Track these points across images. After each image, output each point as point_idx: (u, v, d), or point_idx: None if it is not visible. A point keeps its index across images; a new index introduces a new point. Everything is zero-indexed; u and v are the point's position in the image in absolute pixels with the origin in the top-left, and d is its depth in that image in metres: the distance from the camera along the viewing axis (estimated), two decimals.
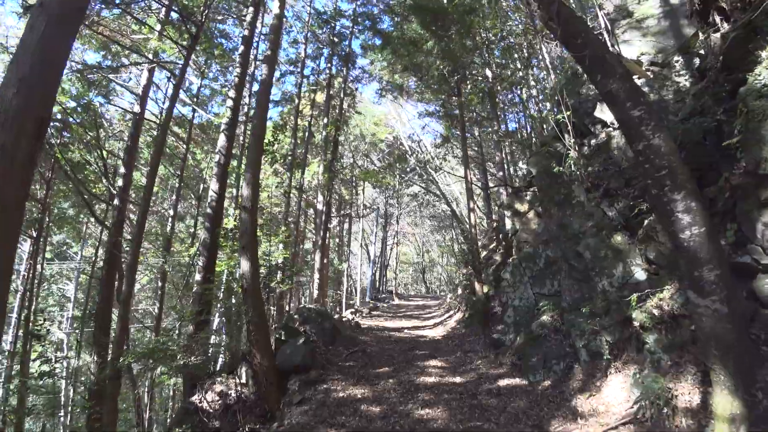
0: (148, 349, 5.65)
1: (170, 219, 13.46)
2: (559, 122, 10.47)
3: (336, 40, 16.17)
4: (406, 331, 10.82)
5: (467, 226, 27.21)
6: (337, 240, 33.29)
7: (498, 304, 9.13)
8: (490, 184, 15.60)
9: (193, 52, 8.18)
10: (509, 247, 10.82)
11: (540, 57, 15.69)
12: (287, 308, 14.42)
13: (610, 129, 7.79)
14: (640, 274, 5.41)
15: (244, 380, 7.10)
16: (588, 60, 3.88)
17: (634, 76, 8.11)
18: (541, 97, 14.20)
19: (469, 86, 11.44)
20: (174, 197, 14.09)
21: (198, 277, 8.43)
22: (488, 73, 11.87)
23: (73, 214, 14.99)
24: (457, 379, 6.29)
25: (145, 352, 5.38)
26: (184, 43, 8.01)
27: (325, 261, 26.98)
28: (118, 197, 7.99)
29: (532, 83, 15.10)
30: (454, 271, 22.94)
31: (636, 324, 4.82)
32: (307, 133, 17.07)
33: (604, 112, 8.09)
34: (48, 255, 22.62)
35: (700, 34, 6.70)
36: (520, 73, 12.98)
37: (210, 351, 6.79)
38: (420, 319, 13.57)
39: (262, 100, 7.01)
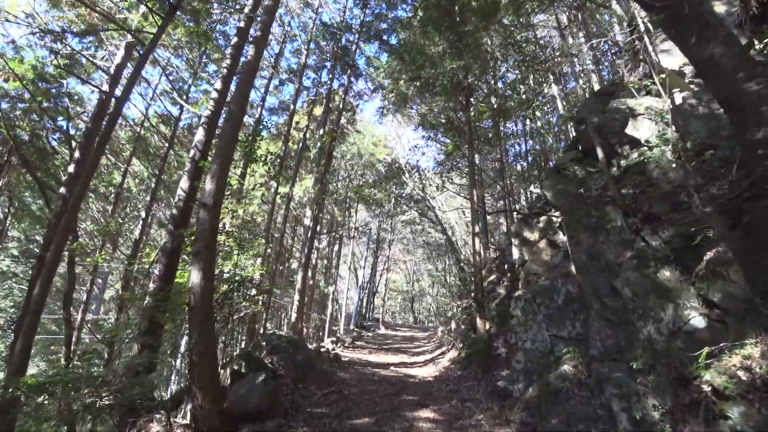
0: (47, 378, 4.26)
1: (141, 221, 12.12)
2: (578, 141, 9.50)
3: (340, 52, 15.36)
4: (392, 368, 9.42)
5: (468, 254, 26.00)
6: (325, 261, 31.86)
7: (502, 345, 7.84)
8: (489, 212, 14.44)
9: (171, 21, 7.10)
10: (515, 279, 9.62)
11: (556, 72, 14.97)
12: (263, 331, 12.95)
13: (645, 148, 6.77)
14: (697, 321, 4.20)
15: (187, 421, 5.71)
16: (674, 19, 2.82)
17: (675, 90, 7.17)
18: (554, 119, 13.39)
19: (477, 100, 10.51)
20: (148, 198, 12.80)
21: (153, 287, 7.13)
22: (493, 100, 11.08)
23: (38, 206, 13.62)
24: None
25: (41, 382, 4.00)
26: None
27: (310, 282, 25.53)
28: (65, 185, 6.73)
29: (542, 107, 14.31)
30: (446, 303, 21.56)
31: (706, 388, 3.60)
32: (301, 145, 16.01)
33: (637, 129, 7.07)
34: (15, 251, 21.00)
35: (756, 42, 5.73)
36: (530, 96, 12.19)
37: (147, 381, 5.39)
38: (408, 354, 12.15)
39: (244, 84, 5.91)
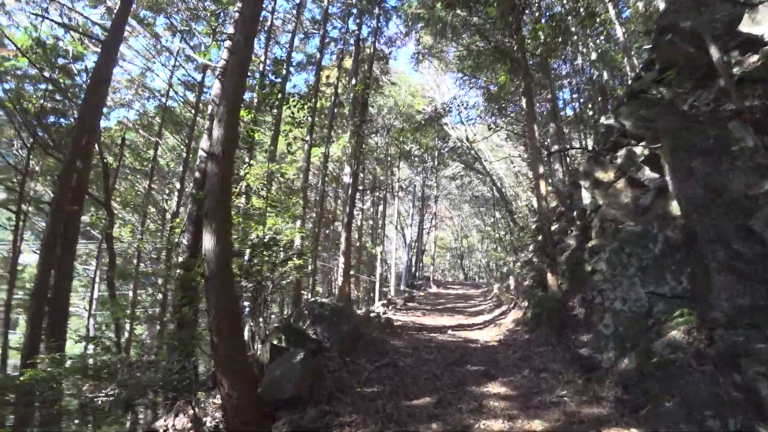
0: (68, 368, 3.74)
1: (177, 193, 11.79)
2: (654, 59, 7.76)
3: None
4: (449, 331, 8.60)
5: (519, 205, 24.44)
6: (370, 222, 31.34)
7: (579, 304, 6.74)
8: (551, 151, 12.87)
9: None
10: (586, 227, 8.32)
11: None
12: (308, 298, 12.54)
13: None
14: None
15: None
16: None
17: None
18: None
19: (531, 19, 8.87)
20: (181, 169, 12.40)
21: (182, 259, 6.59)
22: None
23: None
24: (536, 426, 4.04)
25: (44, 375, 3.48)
26: None
27: (356, 243, 25.12)
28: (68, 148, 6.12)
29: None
30: (500, 258, 20.41)
31: None
32: (333, 100, 14.89)
33: (758, 24, 5.41)
34: None
35: None
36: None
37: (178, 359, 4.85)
38: (465, 315, 11.30)
39: (250, 7, 4.85)
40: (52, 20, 7.83)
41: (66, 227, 6.24)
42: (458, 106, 14.15)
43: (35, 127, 7.70)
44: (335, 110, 16.67)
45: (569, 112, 20.99)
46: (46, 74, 7.29)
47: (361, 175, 28.17)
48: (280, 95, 7.24)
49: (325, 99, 18.96)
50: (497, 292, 14.49)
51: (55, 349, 5.19)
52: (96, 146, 11.53)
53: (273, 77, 7.12)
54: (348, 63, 16.50)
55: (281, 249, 7.68)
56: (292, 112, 7.80)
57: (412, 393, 4.80)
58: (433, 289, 21.34)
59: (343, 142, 12.87)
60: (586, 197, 8.14)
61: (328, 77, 17.33)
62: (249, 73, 7.63)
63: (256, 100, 11.14)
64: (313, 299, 6.76)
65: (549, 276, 6.76)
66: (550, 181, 16.88)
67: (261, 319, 6.52)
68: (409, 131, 10.84)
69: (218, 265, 3.94)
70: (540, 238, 7.64)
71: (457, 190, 38.60)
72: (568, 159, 18.83)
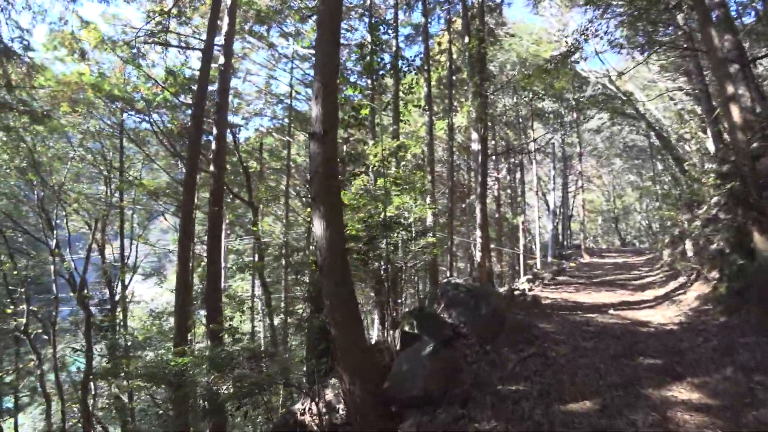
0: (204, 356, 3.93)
1: None
2: None
3: None
4: (611, 311, 7.24)
5: (688, 149, 20.22)
6: (508, 191, 29.45)
7: None
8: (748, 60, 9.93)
9: None
10: None
11: None
12: (448, 276, 12.08)
13: None
14: None
15: None
16: None
17: None
18: None
19: None
20: None
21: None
22: None
23: None
24: None
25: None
26: None
27: (495, 215, 23.84)
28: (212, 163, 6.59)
29: None
30: (668, 217, 17.11)
31: None
32: (449, 65, 13.86)
33: None
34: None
35: None
36: None
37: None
38: (629, 289, 9.54)
39: None
40: (174, 45, 8.75)
41: (212, 225, 6.83)
42: (594, 35, 11.71)
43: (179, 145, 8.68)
44: (453, 77, 15.63)
45: (747, 20, 16.04)
46: (182, 99, 8.18)
47: (492, 141, 26.53)
48: (384, 64, 6.72)
49: (441, 68, 17.98)
50: (668, 260, 12.05)
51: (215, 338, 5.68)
52: (237, 154, 12.82)
53: (373, 46, 6.61)
54: (458, 24, 15.24)
55: (408, 227, 7.31)
56: (409, 86, 7.25)
57: (567, 394, 3.95)
58: (586, 259, 19.02)
59: (467, 108, 11.88)
60: None
61: (439, 44, 16.30)
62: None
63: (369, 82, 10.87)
64: (446, 279, 6.23)
65: (756, 236, 5.00)
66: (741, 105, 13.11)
67: (392, 304, 6.27)
68: (536, 76, 9.34)
69: (330, 251, 3.67)
70: (734, 184, 5.74)
71: (603, 144, 33.77)
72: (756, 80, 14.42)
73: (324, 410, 4.66)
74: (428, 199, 10.11)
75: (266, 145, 19.45)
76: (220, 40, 8.85)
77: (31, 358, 13.10)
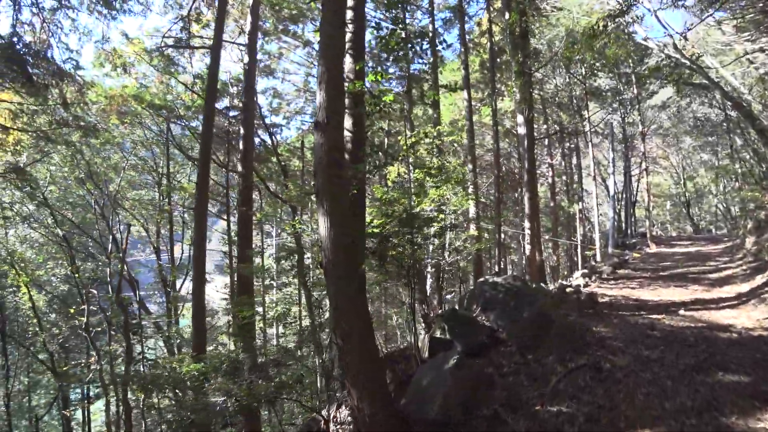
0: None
1: None
2: None
3: None
4: (681, 311, 6.26)
5: None
6: (564, 178, 27.68)
7: None
8: None
9: None
10: None
11: None
12: (496, 271, 11.32)
13: None
14: None
15: None
16: None
17: None
18: None
19: None
20: None
21: None
22: None
23: None
24: None
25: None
26: None
27: (551, 204, 22.46)
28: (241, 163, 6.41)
29: None
30: (750, 199, 15.15)
31: None
32: (489, 47, 12.98)
33: None
34: None
35: None
36: None
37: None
38: (703, 284, 8.33)
39: None
40: (195, 47, 8.78)
41: (242, 226, 6.68)
42: None
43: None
44: (497, 60, 14.67)
45: None
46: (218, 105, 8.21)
47: (544, 125, 24.94)
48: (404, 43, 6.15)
49: (483, 51, 17.01)
50: (753, 249, 10.53)
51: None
52: (275, 153, 12.81)
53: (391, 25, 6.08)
54: (499, 2, 14.24)
55: (442, 221, 6.76)
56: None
57: (622, 420, 3.28)
58: (652, 249, 17.32)
59: (511, 89, 11.01)
60: None
61: (479, 25, 15.36)
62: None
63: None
64: (483, 278, 5.60)
65: None
66: None
67: (425, 306, 5.78)
68: (583, 43, 8.29)
69: (335, 252, 3.27)
70: None
71: (669, 122, 30.73)
72: None
73: (349, 417, 4.31)
74: (471, 189, 9.43)
75: (310, 143, 19.48)
76: (244, 39, 8.73)
77: (106, 351, 13.95)
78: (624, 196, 28.27)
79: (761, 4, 15.47)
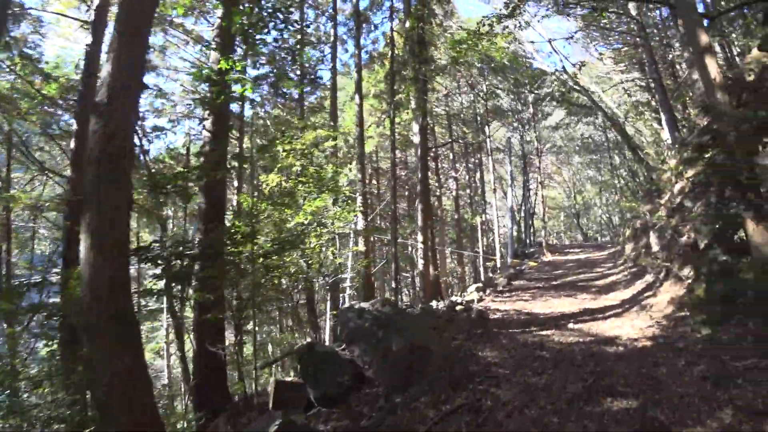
0: None
1: None
2: None
3: None
4: (571, 324, 5.91)
5: (644, 141, 19.78)
6: (468, 191, 28.42)
7: None
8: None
9: None
10: None
11: None
12: (395, 288, 10.55)
13: None
14: None
15: None
16: None
17: None
18: None
19: None
20: None
21: None
22: None
23: None
24: None
25: None
26: None
27: (454, 216, 22.58)
28: None
29: None
30: (628, 209, 16.33)
31: None
32: (390, 54, 12.50)
33: None
34: None
35: None
36: None
37: None
38: (591, 292, 8.31)
39: None
40: None
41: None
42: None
43: None
44: (401, 72, 14.33)
45: None
46: None
47: (450, 139, 25.47)
48: (263, 23, 5.17)
49: (388, 61, 16.66)
50: (632, 254, 11.02)
51: None
52: (144, 161, 10.94)
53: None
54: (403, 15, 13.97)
55: (318, 236, 5.79)
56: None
57: None
58: (547, 257, 18.01)
59: (406, 92, 10.50)
60: None
61: (385, 35, 14.98)
62: None
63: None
64: (348, 305, 4.66)
65: (750, 226, 3.74)
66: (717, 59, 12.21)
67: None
68: (470, 43, 8.03)
69: (95, 288, 2.08)
70: (713, 155, 4.45)
71: (561, 141, 33.60)
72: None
73: None
74: (359, 200, 8.63)
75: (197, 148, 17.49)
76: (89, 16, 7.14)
77: None
78: (523, 208, 29.86)
79: (637, 39, 17.11)
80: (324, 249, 7.00)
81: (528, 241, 27.73)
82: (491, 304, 7.65)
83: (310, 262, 6.84)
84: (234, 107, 6.86)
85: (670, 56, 17.82)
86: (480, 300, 8.00)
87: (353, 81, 20.61)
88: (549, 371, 4.30)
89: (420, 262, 8.38)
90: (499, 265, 17.69)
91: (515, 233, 29.79)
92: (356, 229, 8.49)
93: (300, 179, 6.08)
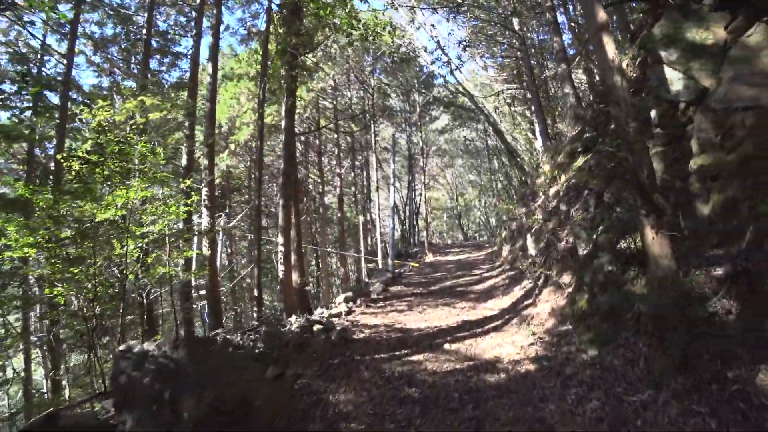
0: None
1: None
2: None
3: None
4: (447, 345, 5.00)
5: (521, 148, 20.78)
6: (353, 188, 27.51)
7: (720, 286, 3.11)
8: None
9: None
10: (678, 136, 4.67)
11: None
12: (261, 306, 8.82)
13: None
14: None
15: None
16: None
17: None
18: None
19: None
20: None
21: None
22: None
23: None
24: None
25: None
26: None
27: (338, 214, 21.39)
28: None
29: None
30: (505, 211, 16.81)
31: None
32: (265, 28, 10.73)
33: None
34: None
35: None
36: None
37: None
38: (470, 300, 7.67)
39: None
40: None
41: None
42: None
43: None
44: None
45: None
46: None
47: (335, 135, 24.24)
48: None
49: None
50: (508, 257, 10.95)
51: None
52: None
53: None
54: None
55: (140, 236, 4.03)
56: None
57: None
58: (429, 258, 17.82)
59: (275, 66, 8.88)
60: (675, 80, 4.41)
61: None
62: None
63: None
64: (124, 347, 3.06)
65: (649, 235, 3.03)
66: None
67: None
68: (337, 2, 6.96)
69: None
70: (625, 156, 3.71)
71: (447, 145, 34.90)
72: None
73: None
74: (205, 192, 6.86)
75: None
76: None
77: None
78: (408, 208, 30.07)
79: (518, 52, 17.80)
80: (142, 254, 5.20)
81: (412, 240, 27.86)
82: (361, 318, 6.52)
83: (122, 269, 5.00)
84: None
85: (544, 75, 18.94)
86: (349, 312, 6.83)
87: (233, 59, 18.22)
88: (418, 419, 3.22)
89: (281, 269, 6.90)
90: (380, 266, 16.95)
91: (399, 233, 29.84)
92: (201, 228, 6.71)
93: (106, 161, 4.24)
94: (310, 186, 24.68)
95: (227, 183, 20.96)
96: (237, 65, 17.29)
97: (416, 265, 15.03)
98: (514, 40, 17.64)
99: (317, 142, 22.82)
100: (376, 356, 4.62)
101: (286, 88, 7.96)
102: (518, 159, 17.54)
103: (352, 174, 26.41)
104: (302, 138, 22.36)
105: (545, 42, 19.86)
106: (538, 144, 17.33)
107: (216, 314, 6.66)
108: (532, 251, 8.48)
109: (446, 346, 4.88)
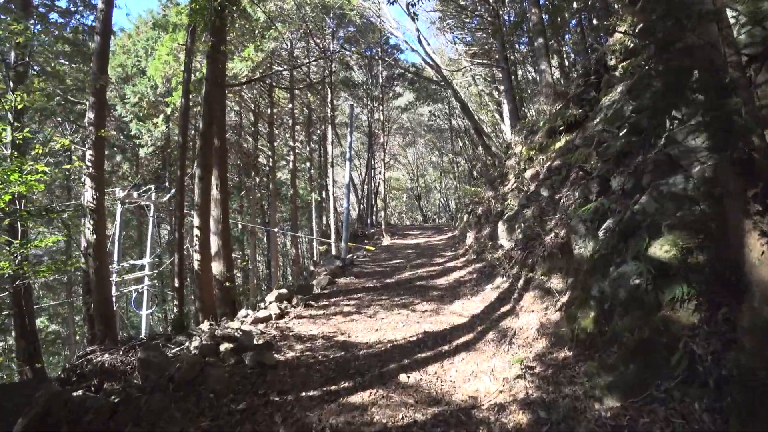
0: None
1: None
2: None
3: None
4: (403, 375, 3.67)
5: (489, 130, 19.71)
6: (307, 164, 25.54)
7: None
8: None
9: None
10: None
11: None
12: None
13: None
14: None
15: None
16: None
17: None
18: None
19: None
20: None
21: None
22: None
23: None
24: None
25: None
26: None
27: (291, 191, 19.62)
28: None
29: None
30: (470, 194, 15.73)
31: None
32: None
33: None
34: None
35: None
36: None
37: None
38: (434, 300, 6.33)
39: None
40: None
41: None
42: None
43: None
44: None
45: None
46: None
47: (290, 105, 22.05)
48: None
49: None
50: (474, 246, 9.80)
51: None
52: None
53: None
54: None
55: None
56: None
57: None
58: (387, 241, 16.53)
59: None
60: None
61: None
62: None
63: None
64: None
65: (756, 245, 1.79)
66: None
67: None
68: None
69: None
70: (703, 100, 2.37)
71: (410, 123, 33.47)
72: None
73: None
74: (89, 156, 5.06)
75: None
76: None
77: None
78: (366, 187, 28.59)
79: (490, 29, 16.53)
80: None
81: (369, 221, 26.53)
82: (295, 324, 5.09)
83: None
84: None
85: (513, 57, 17.89)
86: (281, 316, 5.37)
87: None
88: None
89: (196, 258, 5.29)
90: (333, 249, 15.47)
91: (356, 213, 28.40)
92: (86, 204, 4.92)
93: None
94: (262, 160, 22.55)
95: (165, 153, 18.56)
96: (175, 13, 14.87)
97: (372, 249, 13.69)
98: (487, 15, 16.43)
99: (269, 111, 20.60)
100: (303, 394, 3.22)
101: (209, 22, 6.19)
102: (485, 139, 16.47)
103: (308, 149, 24.42)
104: (249, 101, 20.14)
105: (518, 19, 18.61)
106: (506, 126, 16.35)
107: (105, 319, 4.97)
108: (504, 242, 7.31)
109: (402, 377, 3.55)
